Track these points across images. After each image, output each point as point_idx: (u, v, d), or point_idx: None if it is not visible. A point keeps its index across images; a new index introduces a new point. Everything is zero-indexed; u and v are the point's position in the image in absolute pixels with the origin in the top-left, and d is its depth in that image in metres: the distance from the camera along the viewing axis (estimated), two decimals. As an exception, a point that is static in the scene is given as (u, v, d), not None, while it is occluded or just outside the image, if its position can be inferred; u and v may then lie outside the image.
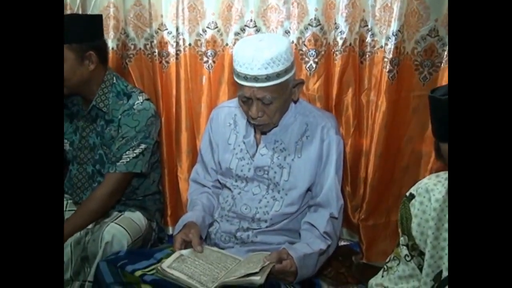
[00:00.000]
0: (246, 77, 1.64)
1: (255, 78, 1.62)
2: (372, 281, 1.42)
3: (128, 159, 1.94)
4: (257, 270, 1.50)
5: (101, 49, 1.97)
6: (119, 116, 1.95)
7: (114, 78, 2.01)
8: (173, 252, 1.69)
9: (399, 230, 1.33)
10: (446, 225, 1.20)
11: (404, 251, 1.31)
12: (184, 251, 1.67)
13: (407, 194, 1.31)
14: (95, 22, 1.97)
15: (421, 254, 1.27)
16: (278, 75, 1.63)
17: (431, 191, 1.24)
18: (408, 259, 1.31)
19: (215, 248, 1.77)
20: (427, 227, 1.24)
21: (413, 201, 1.28)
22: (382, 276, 1.38)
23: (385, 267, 1.38)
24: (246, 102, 1.71)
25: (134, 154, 1.95)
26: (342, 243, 2.21)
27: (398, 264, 1.33)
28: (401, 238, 1.32)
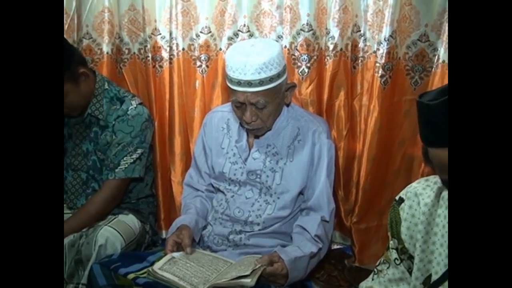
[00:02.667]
0: (239, 82, 1.65)
1: (249, 83, 1.64)
2: (363, 284, 1.42)
3: (126, 165, 1.95)
4: (248, 272, 1.51)
5: (82, 57, 1.96)
6: (113, 122, 1.96)
7: (106, 84, 2.01)
8: (166, 255, 1.71)
9: (389, 233, 1.33)
10: (436, 229, 1.21)
11: (394, 254, 1.32)
12: (175, 254, 1.68)
13: (397, 198, 1.31)
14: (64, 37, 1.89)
15: (411, 257, 1.28)
16: (271, 79, 1.65)
17: (420, 195, 1.25)
18: (397, 262, 1.31)
19: (207, 251, 1.78)
20: (416, 230, 1.24)
21: (402, 205, 1.28)
22: (372, 279, 1.39)
23: (375, 270, 1.39)
24: (239, 107, 1.72)
25: (132, 160, 1.96)
26: (335, 246, 2.22)
27: (388, 267, 1.34)
28: (391, 242, 1.33)
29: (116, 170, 1.95)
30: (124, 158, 1.95)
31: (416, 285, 1.25)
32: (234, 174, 1.85)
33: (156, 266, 1.60)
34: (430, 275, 1.22)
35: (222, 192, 1.90)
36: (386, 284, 1.34)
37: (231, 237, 1.82)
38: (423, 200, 1.23)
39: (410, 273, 1.29)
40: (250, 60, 1.62)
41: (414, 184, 1.30)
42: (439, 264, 1.19)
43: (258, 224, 1.81)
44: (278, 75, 1.67)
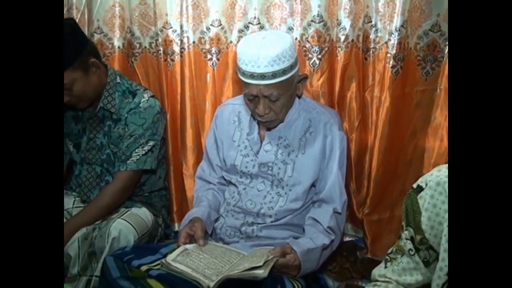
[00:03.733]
0: (252, 75, 1.64)
1: (262, 76, 1.63)
2: (375, 272, 1.38)
3: (138, 157, 1.97)
4: (260, 263, 1.51)
5: (95, 49, 1.99)
6: (126, 115, 1.98)
7: (118, 78, 2.03)
8: (178, 247, 1.72)
9: (403, 223, 1.29)
10: None
11: (408, 245, 1.28)
12: (188, 246, 1.69)
13: (414, 186, 1.26)
14: (76, 28, 1.90)
15: (430, 248, 1.24)
16: (284, 71, 1.64)
17: (444, 183, 1.18)
18: (412, 253, 1.27)
19: (219, 244, 1.79)
20: (438, 221, 1.19)
21: (422, 193, 1.23)
22: (385, 267, 1.36)
23: (387, 257, 1.35)
24: (252, 100, 1.71)
25: (143, 152, 1.98)
26: (347, 238, 2.22)
27: (401, 256, 1.30)
28: (405, 232, 1.28)
29: (128, 162, 1.96)
30: (136, 150, 1.97)
31: (441, 275, 1.20)
32: (246, 167, 1.86)
33: (170, 258, 1.61)
34: None
35: (234, 184, 1.90)
36: (399, 272, 1.32)
37: (243, 229, 1.82)
38: (447, 189, 1.17)
39: (425, 263, 1.27)
40: (263, 53, 1.61)
41: (435, 172, 1.23)
42: None
43: (270, 216, 1.81)
44: (291, 67, 1.66)
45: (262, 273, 1.49)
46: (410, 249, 1.28)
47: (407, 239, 1.28)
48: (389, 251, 1.35)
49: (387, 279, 1.34)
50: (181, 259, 1.61)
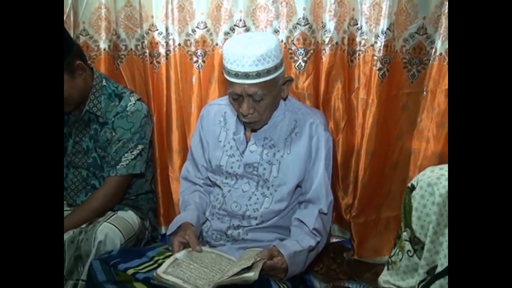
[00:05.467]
0: (237, 74, 1.64)
1: (246, 75, 1.63)
2: (380, 279, 1.39)
3: (128, 161, 1.96)
4: (249, 264, 1.51)
5: (81, 51, 1.97)
6: (113, 119, 1.96)
7: (104, 80, 2.01)
8: (166, 250, 1.71)
9: (402, 223, 1.29)
10: (447, 221, 1.18)
11: (407, 246, 1.28)
12: (178, 255, 1.66)
13: (409, 184, 1.27)
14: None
15: (424, 247, 1.24)
16: (268, 71, 1.64)
17: (434, 185, 1.20)
18: (410, 254, 1.28)
19: (209, 249, 1.77)
20: (427, 221, 1.21)
21: (413, 192, 1.24)
22: (388, 269, 1.36)
23: (389, 260, 1.36)
24: (236, 99, 1.71)
25: (133, 156, 1.97)
26: (334, 240, 2.23)
27: (401, 259, 1.31)
28: (404, 233, 1.29)
29: (118, 167, 1.95)
30: (125, 155, 1.96)
31: (420, 273, 1.23)
32: (231, 167, 1.85)
33: (160, 270, 1.58)
34: (436, 266, 1.20)
35: (219, 186, 1.89)
36: (402, 276, 1.32)
37: (229, 232, 1.82)
38: (438, 190, 1.19)
39: None
40: (248, 52, 1.62)
41: (427, 172, 1.24)
42: (446, 257, 1.17)
43: (256, 218, 1.81)
44: (276, 68, 1.66)
45: (252, 276, 1.48)
46: (408, 250, 1.28)
47: (406, 240, 1.28)
48: (392, 253, 1.35)
49: (391, 285, 1.34)
50: (171, 270, 1.58)
